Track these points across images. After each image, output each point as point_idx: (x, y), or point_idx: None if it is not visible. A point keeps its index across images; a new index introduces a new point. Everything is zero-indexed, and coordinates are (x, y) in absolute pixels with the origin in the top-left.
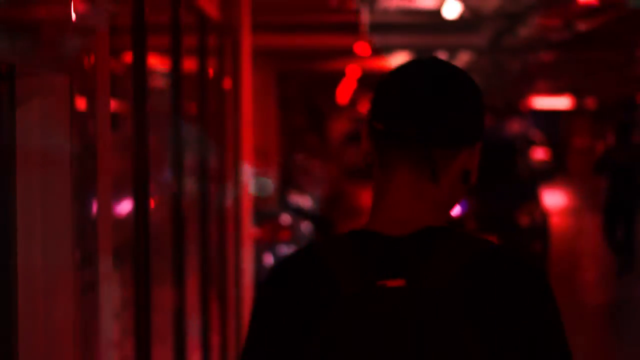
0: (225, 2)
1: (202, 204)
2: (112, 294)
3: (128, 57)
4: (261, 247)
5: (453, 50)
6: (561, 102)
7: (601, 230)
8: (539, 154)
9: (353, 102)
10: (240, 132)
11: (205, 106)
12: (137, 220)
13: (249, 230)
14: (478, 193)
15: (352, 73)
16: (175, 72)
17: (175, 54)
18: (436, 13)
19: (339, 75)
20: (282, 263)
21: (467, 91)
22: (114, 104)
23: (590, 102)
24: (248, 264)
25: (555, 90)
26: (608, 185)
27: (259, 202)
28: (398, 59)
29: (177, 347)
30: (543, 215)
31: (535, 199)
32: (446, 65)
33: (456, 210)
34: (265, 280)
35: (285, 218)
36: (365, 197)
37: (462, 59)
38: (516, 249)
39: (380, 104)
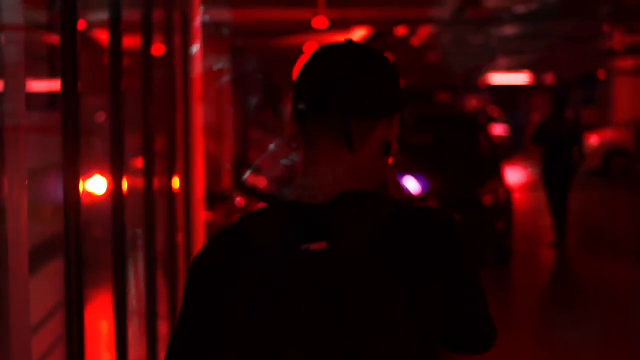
0: None
1: (147, 185)
2: (28, 302)
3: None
4: (214, 230)
5: (414, 24)
6: (520, 78)
7: (547, 202)
8: (498, 130)
9: None
10: (190, 110)
11: (150, 84)
12: (68, 208)
13: (201, 213)
14: (440, 171)
15: (310, 49)
16: (115, 48)
17: (114, 29)
18: None
19: (296, 52)
20: (213, 237)
21: (381, 67)
22: (52, 83)
23: (549, 78)
24: (200, 248)
25: (515, 66)
26: (542, 158)
27: (212, 183)
28: (357, 33)
29: (120, 337)
30: (506, 193)
31: (498, 177)
32: (360, 46)
33: (417, 189)
34: (196, 256)
35: (240, 200)
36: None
37: (422, 34)
38: (428, 206)
39: (301, 86)
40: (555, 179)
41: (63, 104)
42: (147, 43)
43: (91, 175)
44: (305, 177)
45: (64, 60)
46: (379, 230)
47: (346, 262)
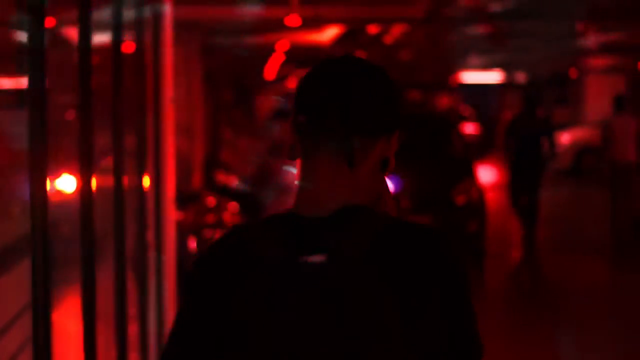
0: None
1: (117, 184)
2: None
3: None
4: (185, 231)
5: (386, 23)
6: (491, 77)
7: (509, 200)
8: (469, 129)
9: (281, 78)
10: (161, 109)
11: (121, 82)
12: (34, 207)
13: (172, 212)
14: (412, 171)
15: (281, 47)
16: (84, 45)
17: (83, 26)
18: None
19: (267, 51)
20: (210, 245)
21: (383, 84)
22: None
23: (521, 77)
24: (170, 249)
25: (487, 65)
26: (512, 155)
27: (182, 182)
28: (330, 31)
29: (88, 339)
30: (479, 193)
31: (470, 176)
32: (361, 62)
33: (390, 189)
34: (194, 261)
35: (211, 200)
36: (292, 175)
37: (394, 32)
38: (420, 223)
39: (303, 97)
40: (524, 176)
41: (30, 102)
42: (117, 41)
43: (60, 174)
44: (303, 188)
45: (31, 58)
46: (377, 245)
47: (343, 274)
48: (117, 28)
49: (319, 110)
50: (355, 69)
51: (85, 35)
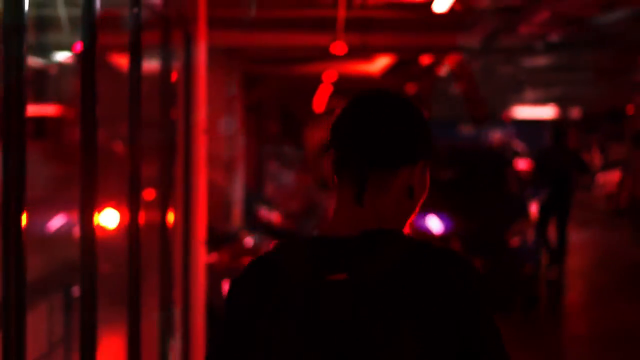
0: None
1: (133, 221)
2: None
3: None
4: (218, 274)
5: (440, 53)
6: (545, 112)
7: (536, 230)
8: (523, 165)
9: (330, 110)
10: (191, 140)
11: (138, 107)
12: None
13: (202, 254)
14: (463, 210)
15: (329, 78)
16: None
17: (88, 52)
18: (424, 7)
19: (315, 81)
20: (246, 266)
21: (405, 117)
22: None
23: (576, 112)
24: (200, 294)
25: (541, 99)
26: (541, 190)
27: (220, 220)
28: (379, 61)
29: None
30: (534, 234)
31: (526, 217)
32: (386, 96)
33: (439, 229)
34: (231, 282)
35: (249, 240)
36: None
37: (448, 63)
38: (446, 247)
39: (333, 133)
40: (552, 211)
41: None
42: (135, 65)
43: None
44: (335, 214)
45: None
46: (396, 266)
47: (362, 293)
48: (134, 52)
49: (343, 145)
50: (379, 104)
51: (89, 61)
